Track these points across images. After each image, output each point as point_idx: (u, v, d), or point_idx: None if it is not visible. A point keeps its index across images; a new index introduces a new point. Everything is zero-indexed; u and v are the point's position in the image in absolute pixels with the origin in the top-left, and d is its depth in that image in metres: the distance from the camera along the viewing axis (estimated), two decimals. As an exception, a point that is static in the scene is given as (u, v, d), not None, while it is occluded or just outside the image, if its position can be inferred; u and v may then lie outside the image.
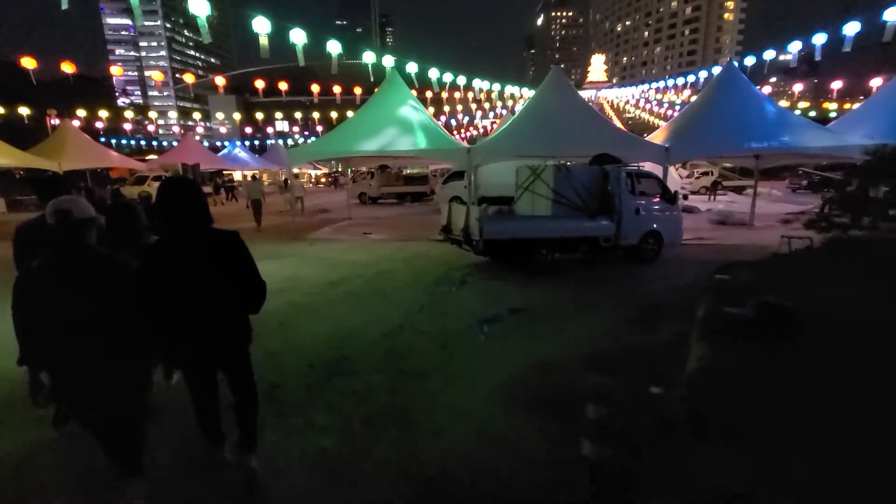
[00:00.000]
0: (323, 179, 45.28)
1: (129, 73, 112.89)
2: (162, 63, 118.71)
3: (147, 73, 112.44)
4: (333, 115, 34.36)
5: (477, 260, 8.36)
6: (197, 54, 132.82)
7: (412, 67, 15.28)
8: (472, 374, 3.91)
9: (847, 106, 32.22)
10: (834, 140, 10.23)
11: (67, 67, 15.08)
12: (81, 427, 2.26)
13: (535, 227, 7.76)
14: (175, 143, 32.85)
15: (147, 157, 30.67)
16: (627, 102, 50.12)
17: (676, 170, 19.68)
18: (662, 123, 21.83)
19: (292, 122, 44.45)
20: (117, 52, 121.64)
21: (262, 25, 9.32)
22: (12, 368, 2.16)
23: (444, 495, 2.44)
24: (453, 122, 40.04)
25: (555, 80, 11.41)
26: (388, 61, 12.96)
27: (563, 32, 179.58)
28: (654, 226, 8.47)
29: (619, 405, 2.98)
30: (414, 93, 12.63)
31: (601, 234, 7.98)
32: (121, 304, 2.08)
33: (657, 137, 11.76)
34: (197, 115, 50.49)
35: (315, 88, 23.77)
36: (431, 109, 14.37)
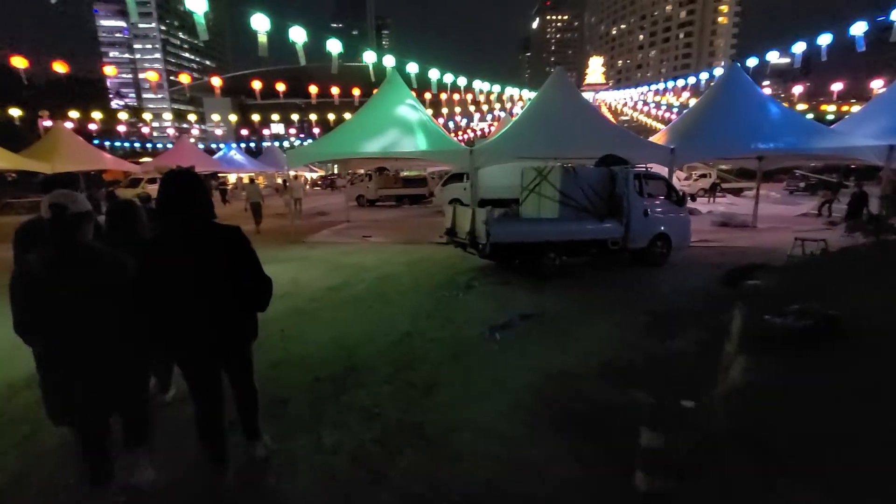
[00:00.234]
0: (319, 182, 44.92)
1: (124, 75, 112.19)
2: (157, 66, 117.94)
3: (142, 76, 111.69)
4: (331, 117, 34.07)
5: (481, 263, 8.15)
6: (192, 57, 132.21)
7: (412, 68, 15.05)
8: (487, 387, 3.69)
9: (845, 108, 32.31)
10: (841, 141, 10.12)
11: (60, 67, 14.74)
12: (69, 423, 2.17)
13: (544, 229, 7.55)
14: (170, 146, 32.47)
15: (141, 160, 30.27)
16: (625, 105, 50.10)
17: (675, 172, 19.56)
18: (661, 126, 21.78)
19: (288, 124, 44.04)
20: (111, 54, 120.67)
21: (260, 23, 9.08)
22: (11, 372, 2.00)
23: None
24: (451, 124, 39.86)
25: (557, 81, 11.27)
26: (389, 61, 12.74)
27: (558, 35, 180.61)
28: (662, 228, 8.29)
29: (653, 423, 2.78)
30: (412, 94, 12.44)
31: (610, 236, 7.80)
32: (119, 300, 2.04)
33: (659, 140, 11.62)
34: (192, 117, 49.98)
35: (312, 90, 23.52)
36: (430, 111, 14.14)
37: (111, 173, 25.75)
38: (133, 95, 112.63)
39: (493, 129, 33.18)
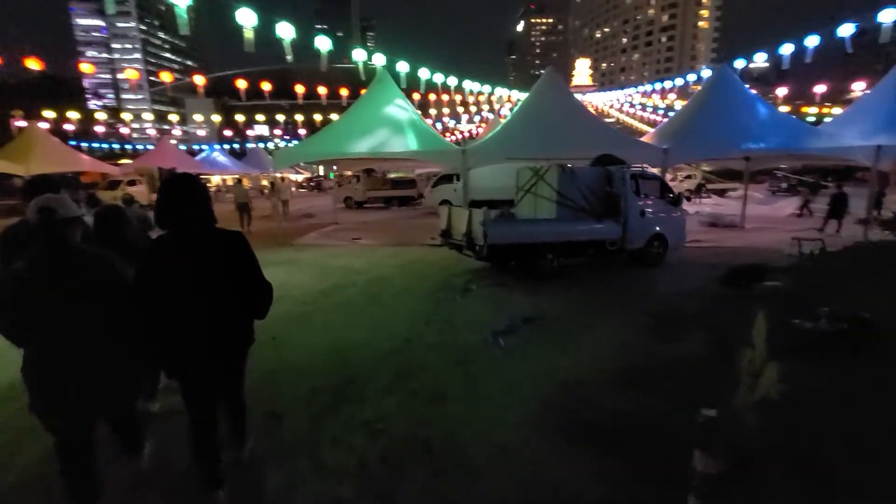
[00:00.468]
0: (304, 184, 44.25)
1: (102, 75, 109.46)
2: (136, 66, 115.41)
3: (121, 76, 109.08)
4: (317, 118, 33.61)
5: (475, 265, 7.97)
6: (173, 57, 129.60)
7: (403, 66, 14.83)
8: (495, 396, 3.50)
9: (825, 110, 33.03)
10: (830, 141, 10.21)
11: (33, 64, 14.09)
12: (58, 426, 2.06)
13: (542, 230, 7.40)
14: (150, 147, 31.62)
15: (121, 161, 29.41)
16: (612, 107, 50.45)
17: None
18: (646, 129, 21.91)
19: (273, 125, 43.34)
20: (88, 53, 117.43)
21: (246, 18, 8.76)
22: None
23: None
24: (438, 125, 39.68)
25: (549, 81, 11.16)
26: (380, 59, 12.50)
27: (542, 38, 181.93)
28: (659, 228, 8.22)
29: (674, 433, 2.62)
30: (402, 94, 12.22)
31: (608, 237, 7.68)
32: (113, 301, 2.03)
33: (647, 142, 11.60)
34: (174, 118, 48.78)
35: (298, 90, 23.12)
36: (418, 112, 13.93)
37: (89, 175, 24.91)
38: (112, 96, 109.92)
39: (481, 130, 33.10)
